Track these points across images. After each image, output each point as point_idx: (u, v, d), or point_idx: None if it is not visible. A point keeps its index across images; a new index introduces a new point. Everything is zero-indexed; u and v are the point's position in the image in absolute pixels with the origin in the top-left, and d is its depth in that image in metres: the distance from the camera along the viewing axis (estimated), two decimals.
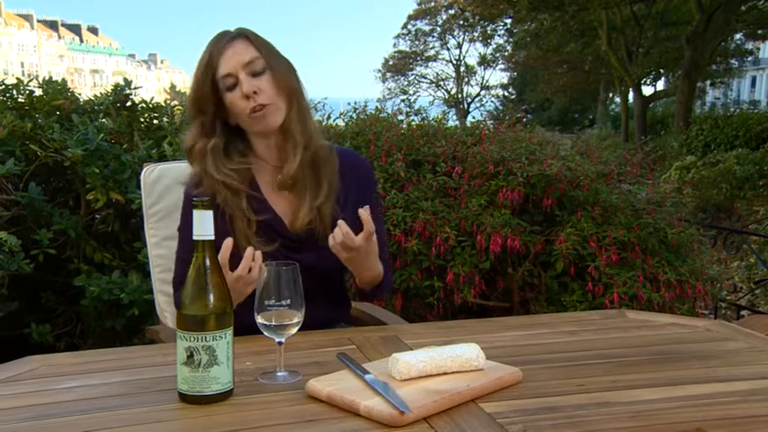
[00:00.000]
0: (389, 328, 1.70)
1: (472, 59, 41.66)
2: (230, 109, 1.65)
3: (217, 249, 1.33)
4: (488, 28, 31.50)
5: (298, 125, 1.68)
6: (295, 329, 1.34)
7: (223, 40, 1.64)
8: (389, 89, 37.59)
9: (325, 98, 4.49)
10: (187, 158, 1.71)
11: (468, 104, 38.69)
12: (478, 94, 39.45)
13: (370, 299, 1.85)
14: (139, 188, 2.06)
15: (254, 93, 1.61)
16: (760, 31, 20.57)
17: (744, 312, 4.81)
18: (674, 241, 3.19)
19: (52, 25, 77.76)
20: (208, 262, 1.23)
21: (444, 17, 35.75)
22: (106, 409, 1.19)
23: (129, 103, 3.21)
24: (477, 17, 21.37)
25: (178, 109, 3.36)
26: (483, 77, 40.04)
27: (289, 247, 1.68)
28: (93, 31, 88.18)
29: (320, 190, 1.70)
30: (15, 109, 3.10)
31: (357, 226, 1.57)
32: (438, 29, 36.93)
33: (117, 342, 2.91)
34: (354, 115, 4.11)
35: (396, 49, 37.69)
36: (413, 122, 4.21)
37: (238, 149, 1.71)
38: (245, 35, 1.66)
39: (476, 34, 35.31)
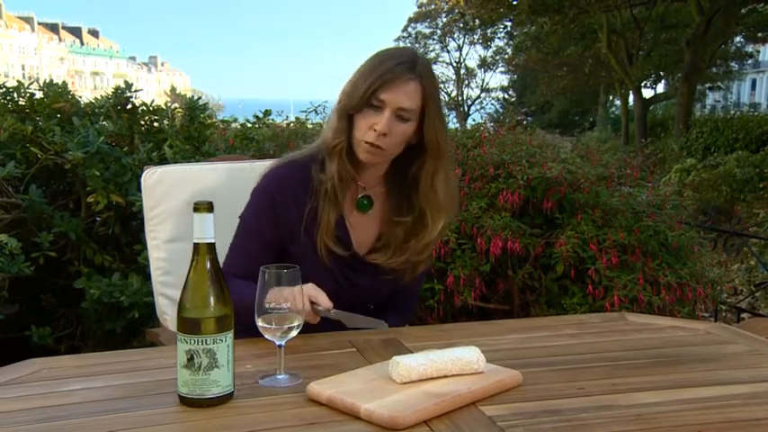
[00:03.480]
0: (390, 331, 1.70)
1: (472, 62, 41.72)
2: (357, 119, 1.62)
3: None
4: (488, 31, 31.53)
5: (431, 184, 1.68)
6: (296, 332, 1.34)
7: (403, 75, 1.57)
8: None
9: (326, 101, 4.49)
10: (327, 154, 1.66)
11: (469, 107, 38.74)
12: (479, 97, 39.52)
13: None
14: (140, 191, 2.06)
15: (383, 134, 1.58)
16: (760, 34, 20.59)
17: (744, 315, 4.80)
18: (674, 244, 3.18)
19: (53, 28, 77.79)
20: (209, 265, 1.23)
21: (444, 20, 35.80)
22: (108, 412, 1.19)
23: (129, 106, 3.21)
24: (477, 20, 21.38)
25: (179, 111, 3.36)
26: (483, 80, 40.08)
27: (348, 264, 1.70)
28: (94, 33, 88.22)
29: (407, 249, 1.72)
30: (16, 111, 3.11)
31: None
32: (438, 32, 37.00)
33: (117, 344, 2.91)
34: None
35: None
36: None
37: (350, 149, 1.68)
38: (422, 81, 1.60)
39: (476, 37, 35.35)
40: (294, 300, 1.35)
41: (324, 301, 1.50)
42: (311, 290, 1.50)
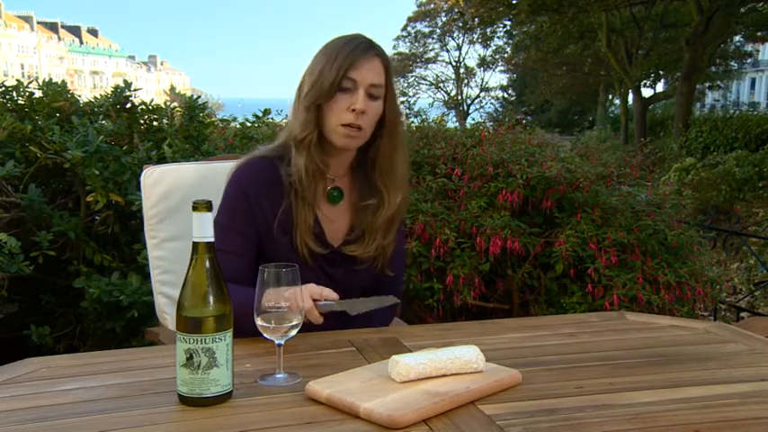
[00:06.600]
0: (389, 330, 1.70)
1: (472, 61, 41.78)
2: (328, 107, 1.62)
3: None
4: (488, 30, 31.50)
5: (390, 163, 1.71)
6: (295, 331, 1.34)
7: (367, 53, 1.61)
8: None
9: None
10: (295, 148, 1.66)
11: (468, 106, 38.71)
12: (478, 96, 39.49)
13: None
14: (139, 190, 2.06)
15: (362, 112, 1.60)
16: (759, 33, 20.58)
17: (743, 314, 4.80)
18: (673, 243, 3.19)
19: (52, 27, 77.77)
20: (208, 264, 1.23)
21: (444, 19, 35.79)
22: (104, 412, 1.19)
23: (128, 105, 3.21)
24: (477, 20, 21.39)
25: (178, 111, 3.36)
26: (482, 79, 40.05)
27: (325, 258, 1.71)
28: (93, 32, 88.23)
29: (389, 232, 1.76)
30: (15, 111, 3.11)
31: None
32: (438, 31, 36.98)
33: (116, 344, 2.91)
34: None
35: (395, 51, 37.68)
36: (413, 124, 4.21)
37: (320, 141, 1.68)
38: (383, 59, 1.65)
39: (475, 36, 35.32)
40: (295, 300, 1.35)
41: (329, 293, 1.51)
42: (313, 287, 1.52)
